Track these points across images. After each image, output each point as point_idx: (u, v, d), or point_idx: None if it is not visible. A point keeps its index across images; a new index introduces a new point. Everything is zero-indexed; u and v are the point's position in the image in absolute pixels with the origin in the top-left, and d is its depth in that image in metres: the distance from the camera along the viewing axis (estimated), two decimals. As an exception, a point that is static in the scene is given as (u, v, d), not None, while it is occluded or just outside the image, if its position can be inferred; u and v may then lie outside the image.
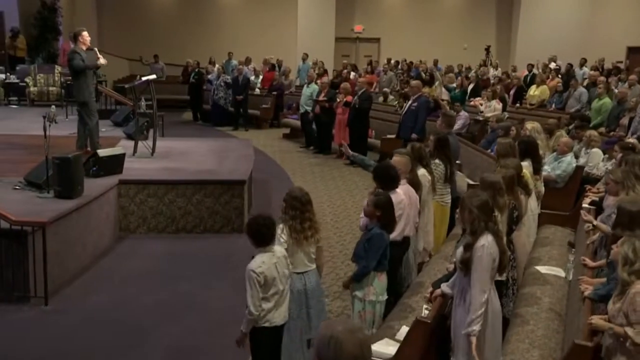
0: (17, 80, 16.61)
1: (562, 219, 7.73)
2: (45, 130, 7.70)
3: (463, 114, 13.60)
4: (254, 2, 25.34)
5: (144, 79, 10.35)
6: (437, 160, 7.12)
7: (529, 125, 8.32)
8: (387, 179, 5.64)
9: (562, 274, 6.08)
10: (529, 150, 7.19)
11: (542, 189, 7.76)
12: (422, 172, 6.49)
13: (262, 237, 4.49)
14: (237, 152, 10.96)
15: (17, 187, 8.06)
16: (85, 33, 9.73)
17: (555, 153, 9.01)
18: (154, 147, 10.40)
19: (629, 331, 3.84)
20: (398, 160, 6.02)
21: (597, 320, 4.12)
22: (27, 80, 16.45)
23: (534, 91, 16.27)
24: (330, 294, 6.88)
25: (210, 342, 5.86)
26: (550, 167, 8.83)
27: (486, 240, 4.21)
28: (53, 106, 8.77)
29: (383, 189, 5.57)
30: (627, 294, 3.90)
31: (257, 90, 19.49)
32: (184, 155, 10.66)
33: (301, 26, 24.04)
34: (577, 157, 9.80)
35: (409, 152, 6.40)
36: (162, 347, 5.78)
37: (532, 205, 7.07)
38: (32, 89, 16.31)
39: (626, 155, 7.00)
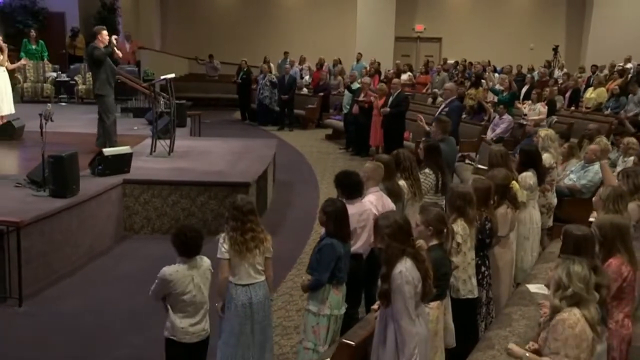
0: (67, 79, 16.96)
1: (576, 233, 7.04)
2: (41, 128, 7.67)
3: (506, 117, 12.75)
4: (314, 2, 25.06)
5: (162, 77, 10.25)
6: (427, 170, 6.59)
7: (542, 132, 7.63)
8: (348, 187, 5.21)
9: (554, 294, 5.49)
10: (529, 160, 6.52)
11: (554, 201, 7.16)
12: (401, 183, 6.01)
13: (184, 248, 4.48)
14: (256, 152, 10.66)
15: (18, 185, 8.03)
16: (104, 32, 10.08)
17: (583, 161, 8.32)
18: (171, 147, 10.25)
19: None
20: (367, 166, 5.59)
21: (513, 346, 3.86)
22: (76, 78, 16.77)
23: (590, 94, 15.31)
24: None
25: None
26: (576, 176, 8.15)
27: (404, 266, 3.76)
28: (49, 104, 8.78)
29: (346, 197, 5.15)
30: (552, 320, 3.49)
31: (305, 90, 19.17)
32: (202, 155, 10.48)
33: (360, 25, 23.45)
34: (614, 165, 9.08)
35: (389, 159, 5.93)
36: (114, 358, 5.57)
37: (536, 218, 6.52)
38: (80, 86, 16.60)
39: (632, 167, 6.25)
